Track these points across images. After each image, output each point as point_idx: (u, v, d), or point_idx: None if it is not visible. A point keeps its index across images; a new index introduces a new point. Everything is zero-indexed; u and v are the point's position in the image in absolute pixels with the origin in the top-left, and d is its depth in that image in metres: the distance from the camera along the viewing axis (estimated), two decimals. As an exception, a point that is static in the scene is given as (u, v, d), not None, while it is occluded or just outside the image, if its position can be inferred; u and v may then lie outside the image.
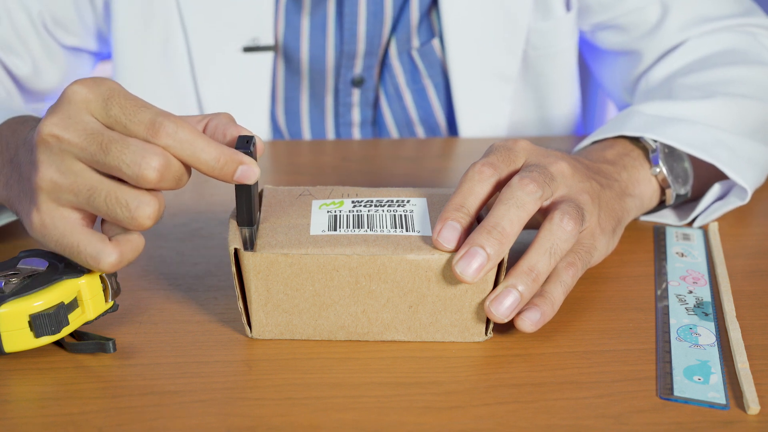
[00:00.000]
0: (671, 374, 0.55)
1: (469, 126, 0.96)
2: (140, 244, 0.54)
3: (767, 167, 0.78)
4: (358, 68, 0.94)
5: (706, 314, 0.61)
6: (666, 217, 0.75)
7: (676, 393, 0.53)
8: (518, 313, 0.56)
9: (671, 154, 0.72)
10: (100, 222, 0.55)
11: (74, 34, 0.91)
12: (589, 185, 0.62)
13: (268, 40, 0.91)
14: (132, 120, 0.51)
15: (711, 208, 0.74)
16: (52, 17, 0.88)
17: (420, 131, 0.99)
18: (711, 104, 0.77)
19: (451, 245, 0.55)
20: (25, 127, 0.62)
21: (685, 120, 0.74)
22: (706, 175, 0.75)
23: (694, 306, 0.62)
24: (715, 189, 0.74)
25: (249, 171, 0.53)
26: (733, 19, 0.90)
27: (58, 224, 0.52)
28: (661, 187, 0.72)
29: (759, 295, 0.64)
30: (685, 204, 0.76)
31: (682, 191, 0.72)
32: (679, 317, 0.61)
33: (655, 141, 0.71)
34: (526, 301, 0.56)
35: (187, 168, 0.53)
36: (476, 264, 0.54)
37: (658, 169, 0.70)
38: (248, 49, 0.91)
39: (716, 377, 0.54)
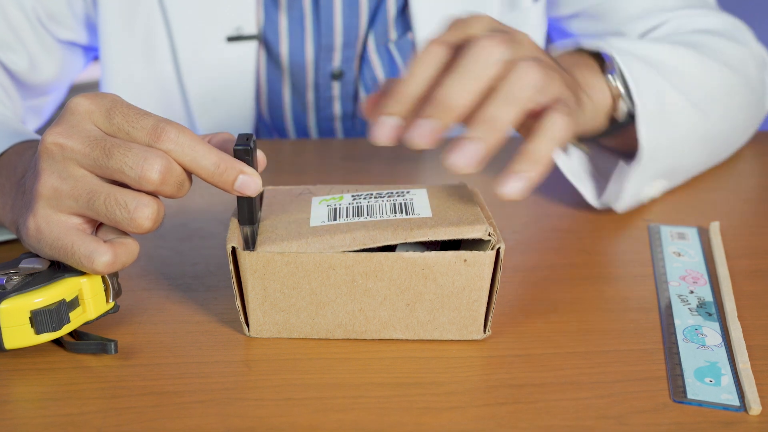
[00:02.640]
0: (682, 376, 0.54)
1: None
2: (135, 248, 0.54)
3: (695, 141, 0.77)
4: (336, 61, 0.95)
5: (710, 314, 0.61)
6: (585, 186, 0.74)
7: (690, 396, 0.53)
8: (499, 181, 0.53)
9: (623, 76, 0.72)
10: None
11: (68, 28, 0.91)
12: (553, 62, 0.60)
13: (252, 30, 0.92)
14: (134, 126, 0.52)
15: (620, 185, 0.73)
16: (45, 11, 0.88)
17: None
18: (677, 51, 0.77)
19: (382, 140, 0.53)
20: (31, 150, 0.63)
21: (644, 58, 0.74)
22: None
23: (697, 306, 0.62)
24: (621, 167, 0.74)
25: (250, 181, 0.53)
26: (714, 10, 0.91)
27: (53, 228, 0.53)
28: (613, 100, 0.71)
29: (760, 295, 0.64)
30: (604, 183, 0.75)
31: (632, 109, 0.72)
32: (683, 318, 0.61)
33: (613, 56, 0.72)
34: (490, 148, 0.52)
35: (188, 176, 0.53)
36: (427, 133, 0.52)
37: (611, 78, 0.71)
38: (232, 39, 0.92)
39: (727, 378, 0.54)
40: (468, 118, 0.53)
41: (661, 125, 0.73)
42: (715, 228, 0.72)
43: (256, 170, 0.55)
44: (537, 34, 0.97)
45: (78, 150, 0.52)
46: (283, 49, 0.93)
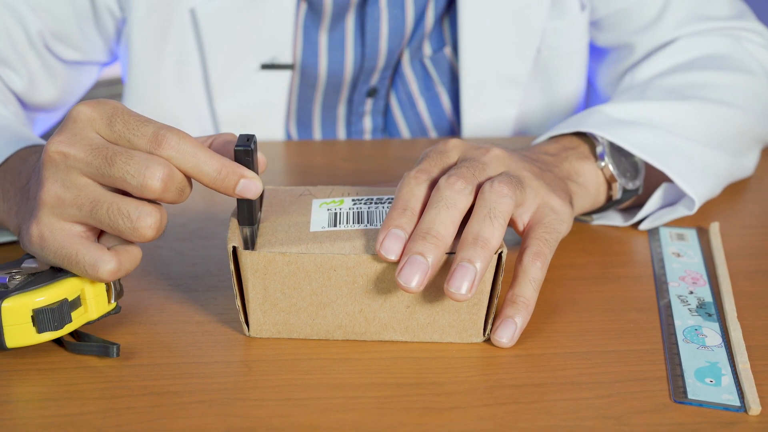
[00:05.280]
0: (683, 377, 0.54)
1: (472, 128, 0.96)
2: (138, 255, 0.55)
3: (726, 178, 0.77)
4: (374, 80, 0.94)
5: (710, 315, 0.61)
6: (612, 218, 0.74)
7: (690, 396, 0.53)
8: (494, 330, 0.56)
9: (619, 149, 0.71)
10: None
11: (77, 49, 0.89)
12: (528, 165, 0.62)
13: (287, 59, 0.91)
14: (135, 134, 0.52)
15: (659, 213, 0.73)
16: (53, 34, 0.86)
17: (433, 136, 0.99)
18: (680, 107, 0.77)
19: (393, 256, 0.54)
20: (35, 155, 0.63)
21: (644, 123, 0.74)
22: (661, 181, 0.73)
23: (697, 307, 0.62)
24: (660, 191, 0.73)
25: (251, 185, 0.53)
26: (726, 22, 0.90)
27: (57, 236, 0.53)
28: (608, 181, 0.71)
29: (760, 295, 0.64)
30: (636, 207, 0.75)
31: (631, 186, 0.71)
32: (683, 318, 0.61)
33: (603, 138, 0.71)
34: (482, 270, 0.53)
35: (189, 181, 0.53)
36: (418, 274, 0.53)
37: (603, 163, 0.70)
38: (266, 67, 0.91)
39: (728, 379, 0.54)
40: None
41: (694, 173, 0.72)
42: (714, 229, 0.72)
43: (257, 172, 0.55)
44: (583, 41, 0.96)
45: (80, 158, 0.52)
46: (321, 70, 0.92)
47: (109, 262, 0.53)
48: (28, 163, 0.62)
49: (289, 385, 0.54)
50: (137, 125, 0.52)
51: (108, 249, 0.54)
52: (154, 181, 0.51)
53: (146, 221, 0.52)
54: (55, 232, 0.53)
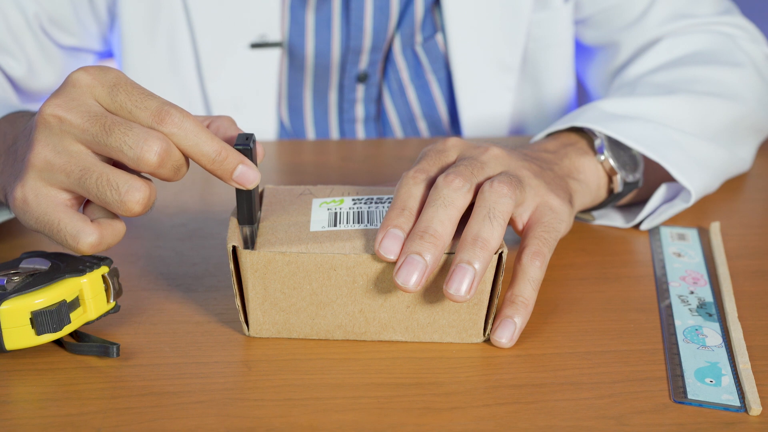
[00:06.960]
0: (683, 377, 0.54)
1: (471, 116, 0.96)
2: (122, 230, 0.54)
3: (723, 171, 0.77)
4: (363, 64, 0.94)
5: (710, 315, 0.61)
6: (613, 219, 0.74)
7: (690, 396, 0.53)
8: (493, 330, 0.57)
9: (618, 143, 0.71)
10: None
11: (72, 34, 0.90)
12: (527, 164, 0.62)
13: (276, 37, 0.91)
14: (138, 106, 0.52)
15: (658, 210, 0.73)
16: (49, 18, 0.87)
17: (423, 126, 0.99)
18: (671, 101, 0.77)
19: (392, 256, 0.53)
20: (23, 119, 0.63)
21: (639, 117, 0.74)
22: (660, 177, 0.73)
23: (697, 307, 0.62)
24: (662, 190, 0.73)
25: (249, 173, 0.53)
26: (711, 18, 0.90)
27: (41, 201, 0.52)
28: (608, 175, 0.71)
29: (760, 295, 0.64)
30: (635, 206, 0.75)
31: (631, 178, 0.71)
32: (683, 318, 0.60)
33: (600, 132, 0.71)
34: (482, 271, 0.53)
35: (186, 160, 0.53)
36: (416, 273, 0.53)
37: (603, 157, 0.70)
38: (256, 46, 0.91)
39: (728, 379, 0.54)
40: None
41: (690, 165, 0.72)
42: (715, 228, 0.72)
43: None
44: (567, 33, 0.97)
45: (77, 124, 0.51)
46: (309, 50, 0.92)
47: (90, 235, 0.52)
48: (16, 126, 0.62)
49: (289, 385, 0.53)
50: (141, 98, 0.52)
51: (91, 221, 0.53)
52: (151, 154, 0.51)
53: (134, 196, 0.51)
54: (40, 197, 0.52)
